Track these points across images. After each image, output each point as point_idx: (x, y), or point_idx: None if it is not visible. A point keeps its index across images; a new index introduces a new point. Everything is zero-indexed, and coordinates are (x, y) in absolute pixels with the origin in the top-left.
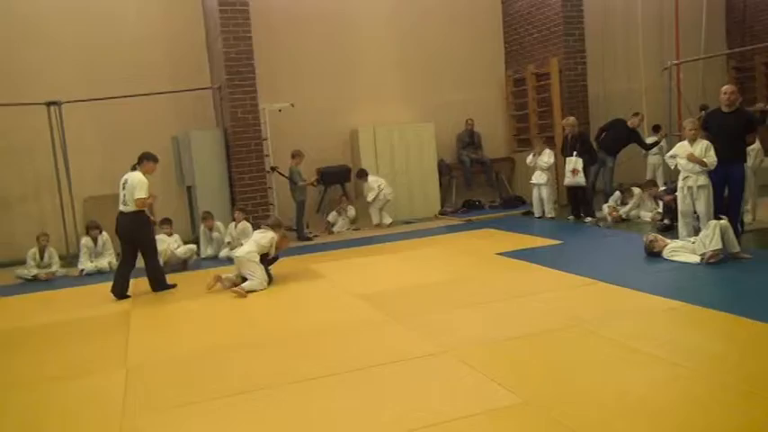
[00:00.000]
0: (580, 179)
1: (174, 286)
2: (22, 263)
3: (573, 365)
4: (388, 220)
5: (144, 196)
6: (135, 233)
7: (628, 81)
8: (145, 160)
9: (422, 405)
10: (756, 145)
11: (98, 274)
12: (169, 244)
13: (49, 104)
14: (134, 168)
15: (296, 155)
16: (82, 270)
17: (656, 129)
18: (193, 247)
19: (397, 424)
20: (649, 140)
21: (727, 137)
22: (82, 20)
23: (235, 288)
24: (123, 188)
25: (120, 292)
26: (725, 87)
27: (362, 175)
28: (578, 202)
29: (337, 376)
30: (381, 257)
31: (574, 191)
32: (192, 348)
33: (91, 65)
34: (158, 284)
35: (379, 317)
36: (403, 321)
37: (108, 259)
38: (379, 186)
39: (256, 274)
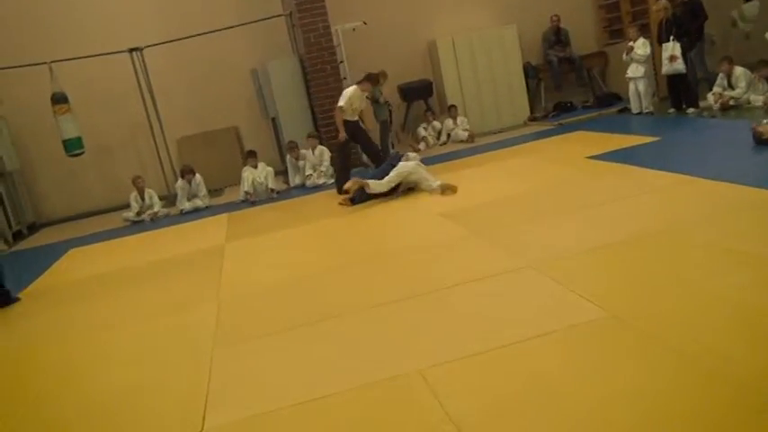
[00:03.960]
0: (679, 66)
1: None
2: (128, 206)
3: (666, 273)
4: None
5: (341, 104)
6: (352, 137)
7: None
8: (364, 80)
9: (504, 323)
10: None
11: (195, 212)
12: (256, 176)
13: (131, 51)
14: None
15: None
16: (182, 210)
17: None
18: (270, 169)
19: (479, 343)
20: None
21: None
22: None
23: (444, 190)
24: None
25: (339, 190)
26: None
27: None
28: (679, 93)
29: (418, 298)
30: (467, 171)
31: (674, 80)
32: (279, 278)
33: (164, 5)
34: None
35: (463, 234)
36: (486, 237)
37: (202, 197)
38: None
39: (430, 176)
